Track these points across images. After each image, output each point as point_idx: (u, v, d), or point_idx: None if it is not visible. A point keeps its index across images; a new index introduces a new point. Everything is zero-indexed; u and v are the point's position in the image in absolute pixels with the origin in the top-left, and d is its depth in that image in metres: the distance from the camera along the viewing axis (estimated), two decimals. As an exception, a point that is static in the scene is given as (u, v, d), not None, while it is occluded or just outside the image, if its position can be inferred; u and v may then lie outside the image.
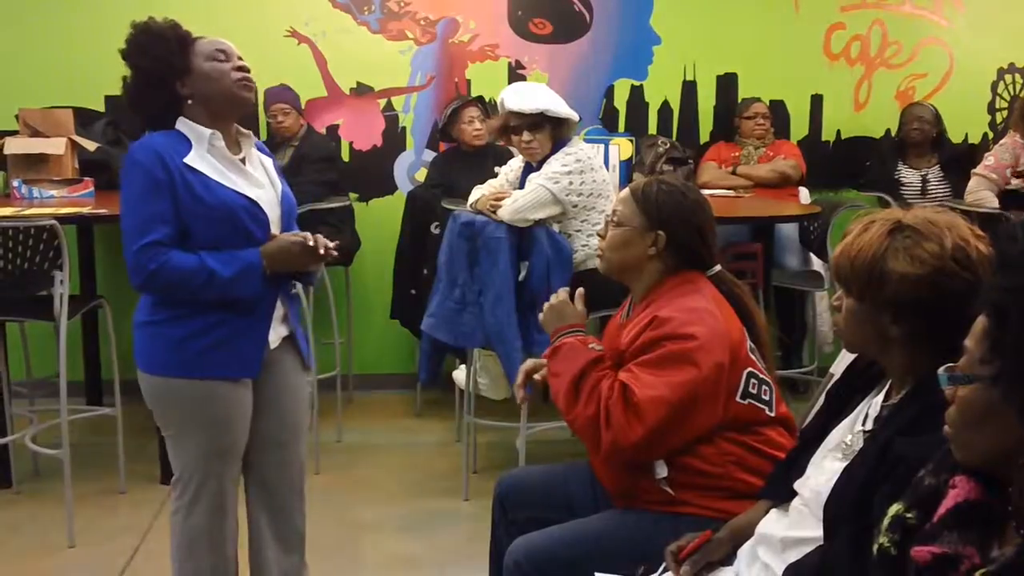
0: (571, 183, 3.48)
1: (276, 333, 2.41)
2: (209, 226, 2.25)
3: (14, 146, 4.14)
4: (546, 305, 2.29)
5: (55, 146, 4.15)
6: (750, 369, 2.14)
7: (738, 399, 2.11)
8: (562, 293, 2.30)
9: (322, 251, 2.33)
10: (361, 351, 5.09)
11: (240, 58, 2.35)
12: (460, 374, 4.07)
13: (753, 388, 2.14)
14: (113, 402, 3.81)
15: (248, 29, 4.71)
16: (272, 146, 4.54)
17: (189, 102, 2.29)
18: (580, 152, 3.55)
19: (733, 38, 5.18)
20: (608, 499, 2.23)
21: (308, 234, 2.34)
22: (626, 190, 2.31)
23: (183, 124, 2.30)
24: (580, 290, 2.32)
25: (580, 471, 2.35)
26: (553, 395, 2.17)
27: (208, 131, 2.28)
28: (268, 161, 2.47)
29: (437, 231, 4.45)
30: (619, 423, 2.02)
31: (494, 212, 3.51)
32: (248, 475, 2.51)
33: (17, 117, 4.32)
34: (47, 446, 3.69)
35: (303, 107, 4.83)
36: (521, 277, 3.50)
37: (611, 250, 2.26)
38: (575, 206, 3.52)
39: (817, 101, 5.29)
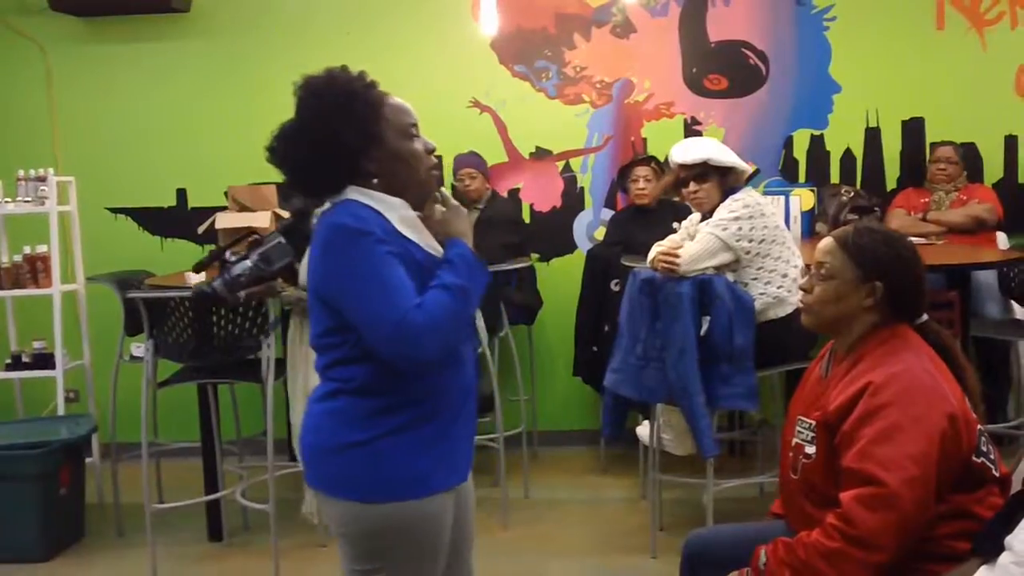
0: (740, 228, 3.45)
1: None
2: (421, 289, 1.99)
3: (224, 220, 4.50)
4: None
5: (261, 219, 4.46)
6: (980, 426, 2.03)
7: (974, 457, 2.00)
8: None
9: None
10: (545, 408, 5.17)
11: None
12: (644, 430, 4.07)
13: (984, 446, 2.03)
14: (314, 459, 4.00)
15: (433, 100, 4.92)
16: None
17: (375, 181, 1.96)
18: (748, 198, 3.52)
19: (917, 82, 5.05)
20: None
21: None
22: (830, 241, 2.18)
23: (357, 192, 1.96)
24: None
25: (772, 529, 2.28)
26: None
27: (398, 200, 1.97)
28: None
29: (617, 288, 4.51)
30: (879, 526, 1.89)
31: (670, 267, 3.50)
32: None
33: (226, 194, 4.69)
34: (255, 501, 3.92)
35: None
36: (703, 331, 3.49)
37: (822, 304, 2.15)
38: (747, 252, 3.47)
39: (1012, 142, 5.05)
